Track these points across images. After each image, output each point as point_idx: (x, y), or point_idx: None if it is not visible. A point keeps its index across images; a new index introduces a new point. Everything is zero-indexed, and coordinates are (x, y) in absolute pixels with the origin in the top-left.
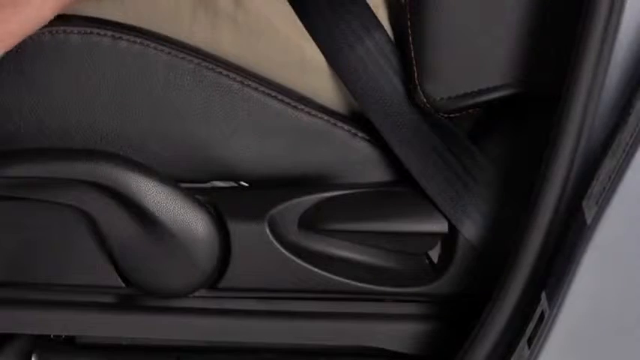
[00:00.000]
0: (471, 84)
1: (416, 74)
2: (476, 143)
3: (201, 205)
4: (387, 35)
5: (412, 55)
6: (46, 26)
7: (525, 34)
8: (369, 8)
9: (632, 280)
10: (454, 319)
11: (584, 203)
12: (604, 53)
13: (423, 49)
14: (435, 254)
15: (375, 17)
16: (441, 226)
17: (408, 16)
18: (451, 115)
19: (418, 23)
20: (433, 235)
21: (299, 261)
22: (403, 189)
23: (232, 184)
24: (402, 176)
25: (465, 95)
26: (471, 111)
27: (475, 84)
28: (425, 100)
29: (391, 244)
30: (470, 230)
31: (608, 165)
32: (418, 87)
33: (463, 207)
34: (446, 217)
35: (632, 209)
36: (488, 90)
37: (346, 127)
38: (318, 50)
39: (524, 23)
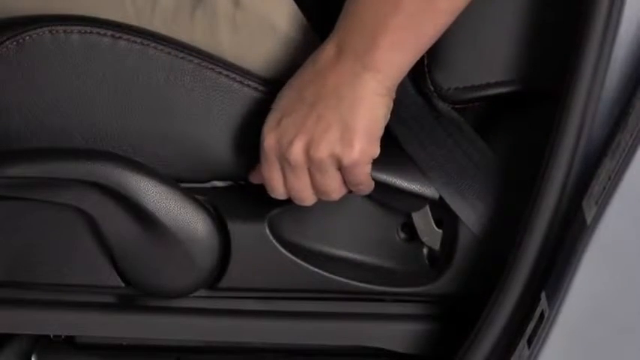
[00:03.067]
0: (479, 77)
1: (426, 62)
2: (482, 137)
3: (201, 205)
4: None
5: None
6: (46, 26)
7: (530, 32)
8: None
9: (632, 280)
10: (454, 319)
11: (584, 203)
12: (604, 53)
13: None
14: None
15: None
16: (430, 191)
17: None
18: (456, 106)
19: None
20: (421, 197)
21: (299, 261)
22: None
23: (232, 184)
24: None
25: (473, 87)
26: (476, 104)
27: (482, 77)
28: (432, 88)
29: (381, 196)
30: (472, 220)
31: (608, 165)
32: (427, 75)
33: (468, 198)
34: (448, 213)
35: (632, 209)
36: (496, 84)
37: None
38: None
39: (530, 21)
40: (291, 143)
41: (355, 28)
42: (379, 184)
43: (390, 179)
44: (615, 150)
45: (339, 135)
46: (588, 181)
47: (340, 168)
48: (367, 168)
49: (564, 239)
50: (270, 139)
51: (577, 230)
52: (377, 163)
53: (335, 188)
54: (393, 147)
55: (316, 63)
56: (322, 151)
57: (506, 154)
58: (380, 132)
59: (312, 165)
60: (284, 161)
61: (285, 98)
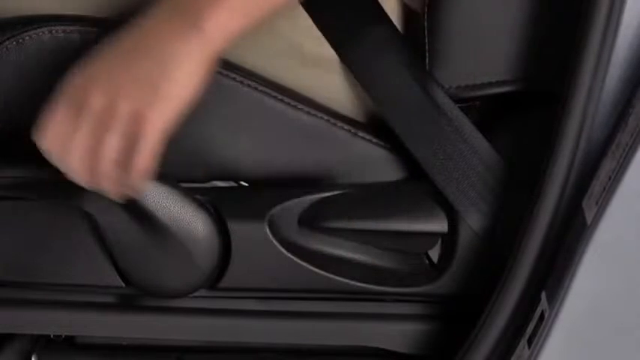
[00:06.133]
0: (479, 76)
1: (427, 60)
2: (483, 135)
3: (201, 205)
4: (395, 27)
5: (426, 41)
6: (45, 26)
7: (531, 32)
8: (377, 1)
9: (632, 280)
10: (454, 319)
11: (584, 203)
12: (604, 53)
13: (437, 37)
14: (435, 254)
15: (382, 9)
16: (440, 226)
17: (427, 1)
18: (458, 105)
19: (435, 11)
20: (433, 234)
21: (299, 261)
22: (403, 188)
23: (232, 184)
24: (402, 175)
25: (473, 86)
26: (477, 103)
27: (483, 76)
28: (434, 85)
29: (391, 244)
30: (474, 218)
31: (608, 165)
32: (428, 73)
33: (470, 196)
34: (450, 210)
35: (632, 209)
36: (497, 83)
37: (346, 126)
38: (317, 47)
39: (531, 21)
40: (93, 89)
41: None
42: (390, 233)
43: (399, 226)
44: (615, 150)
45: (145, 94)
46: (588, 181)
47: (132, 138)
48: (156, 138)
49: (564, 239)
50: (73, 81)
51: (577, 230)
52: (387, 213)
53: (111, 155)
54: (394, 190)
55: (146, 18)
56: (123, 105)
57: (508, 153)
58: (184, 104)
59: (109, 118)
60: (79, 110)
61: (107, 46)
